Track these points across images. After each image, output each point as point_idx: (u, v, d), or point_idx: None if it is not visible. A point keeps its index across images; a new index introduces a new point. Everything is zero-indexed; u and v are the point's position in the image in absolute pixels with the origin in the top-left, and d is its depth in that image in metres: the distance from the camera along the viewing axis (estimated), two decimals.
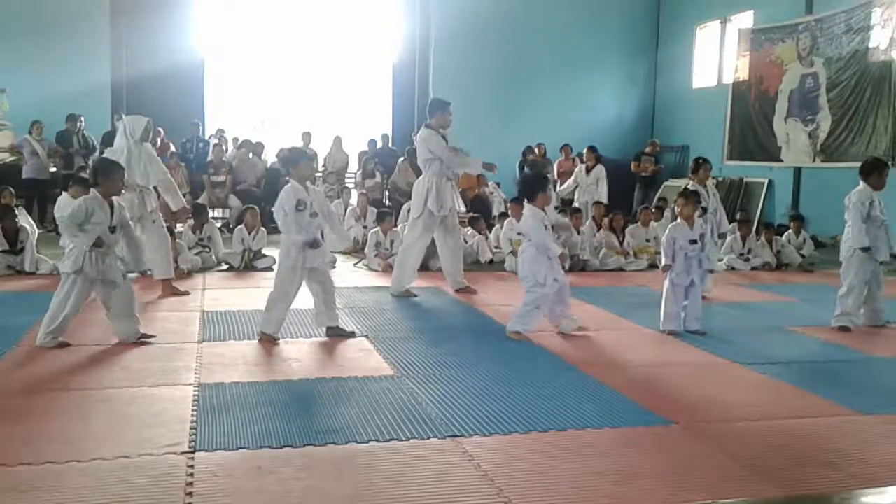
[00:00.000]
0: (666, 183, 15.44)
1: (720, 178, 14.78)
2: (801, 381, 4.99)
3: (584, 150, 14.30)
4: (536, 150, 14.75)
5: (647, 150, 15.23)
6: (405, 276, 7.73)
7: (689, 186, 7.51)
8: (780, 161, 13.95)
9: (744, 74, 14.71)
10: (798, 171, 13.88)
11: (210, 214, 11.19)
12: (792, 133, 13.68)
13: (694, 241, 6.16)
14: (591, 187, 13.12)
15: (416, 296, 7.67)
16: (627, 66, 17.60)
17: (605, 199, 12.28)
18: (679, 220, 6.29)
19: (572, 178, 13.45)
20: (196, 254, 9.10)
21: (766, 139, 14.20)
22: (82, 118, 13.39)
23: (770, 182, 14.34)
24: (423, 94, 16.43)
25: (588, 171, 13.12)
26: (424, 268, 9.36)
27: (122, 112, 14.18)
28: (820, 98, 13.06)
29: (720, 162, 15.15)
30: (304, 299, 7.31)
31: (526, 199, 5.97)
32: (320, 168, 14.50)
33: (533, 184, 6.05)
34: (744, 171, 14.81)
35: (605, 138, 16.00)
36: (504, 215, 10.68)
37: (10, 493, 3.14)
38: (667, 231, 6.35)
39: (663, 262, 6.26)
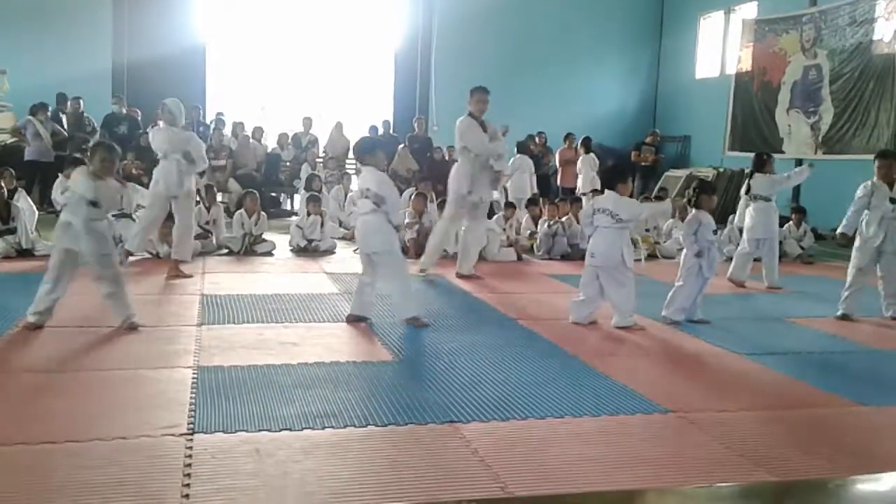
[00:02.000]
0: (666, 173, 15.42)
1: (721, 169, 14.77)
2: (799, 371, 5.00)
3: (578, 142, 14.46)
4: (537, 140, 14.71)
5: (648, 140, 15.21)
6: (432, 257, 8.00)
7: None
8: (782, 153, 13.88)
9: (747, 65, 14.66)
10: (799, 163, 13.84)
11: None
12: (794, 125, 13.65)
13: (715, 232, 6.36)
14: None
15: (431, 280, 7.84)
16: (630, 56, 17.54)
17: (585, 189, 12.85)
18: (699, 211, 6.30)
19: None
20: (195, 237, 9.02)
21: (768, 130, 14.16)
22: (80, 100, 13.32)
23: None
24: (425, 81, 16.40)
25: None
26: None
27: (122, 95, 14.18)
28: (823, 90, 13.03)
29: (721, 153, 15.13)
30: (299, 286, 7.33)
31: (609, 188, 6.21)
32: (321, 154, 14.48)
33: (620, 174, 6.29)
34: (745, 163, 14.55)
35: (606, 128, 15.98)
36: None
37: (8, 473, 3.15)
38: (696, 222, 6.21)
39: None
